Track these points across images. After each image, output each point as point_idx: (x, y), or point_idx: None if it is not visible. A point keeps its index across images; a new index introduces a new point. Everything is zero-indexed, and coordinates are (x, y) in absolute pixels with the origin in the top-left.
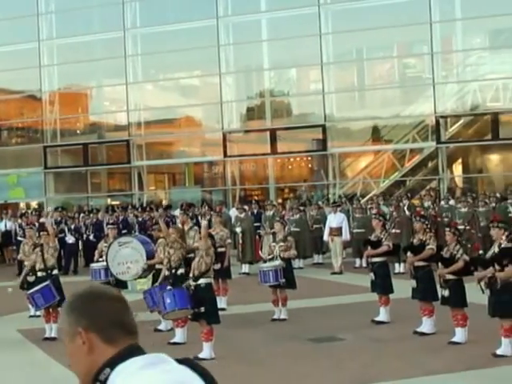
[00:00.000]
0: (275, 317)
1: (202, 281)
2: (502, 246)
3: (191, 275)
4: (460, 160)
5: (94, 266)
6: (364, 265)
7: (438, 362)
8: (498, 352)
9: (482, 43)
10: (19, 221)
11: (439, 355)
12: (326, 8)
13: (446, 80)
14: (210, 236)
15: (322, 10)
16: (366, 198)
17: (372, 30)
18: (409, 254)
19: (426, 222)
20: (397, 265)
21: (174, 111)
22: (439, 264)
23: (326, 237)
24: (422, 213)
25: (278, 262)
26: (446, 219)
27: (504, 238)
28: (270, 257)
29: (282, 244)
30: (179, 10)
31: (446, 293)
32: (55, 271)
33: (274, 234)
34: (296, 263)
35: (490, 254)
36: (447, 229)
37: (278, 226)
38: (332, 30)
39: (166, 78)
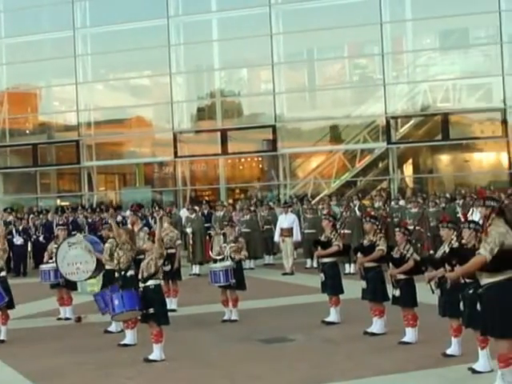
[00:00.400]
0: (226, 318)
1: (150, 282)
2: (452, 246)
3: (140, 277)
4: (410, 160)
5: (43, 267)
6: (315, 265)
7: (389, 362)
8: (448, 352)
9: (432, 44)
10: None
11: (390, 355)
12: (277, 8)
13: (396, 80)
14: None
15: (272, 10)
16: (316, 199)
17: (323, 31)
18: (359, 254)
19: (377, 223)
20: (347, 265)
21: (125, 111)
22: (390, 264)
23: (276, 237)
24: (373, 213)
25: (228, 263)
26: (396, 219)
27: (454, 238)
28: (221, 257)
29: (232, 245)
30: (129, 9)
31: (397, 293)
32: (3, 273)
33: (224, 234)
34: (247, 264)
35: (439, 253)
36: (397, 229)
37: (228, 230)
38: (283, 31)
39: (116, 78)
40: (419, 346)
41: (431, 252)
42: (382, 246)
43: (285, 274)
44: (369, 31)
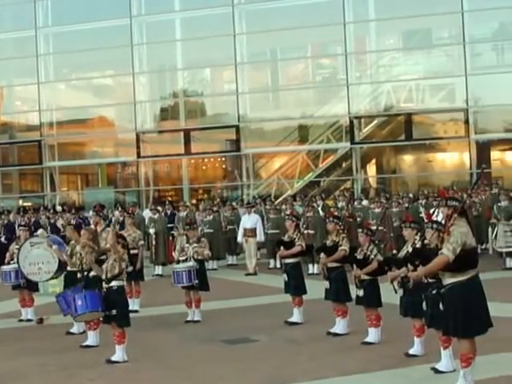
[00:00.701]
0: (189, 318)
1: (114, 283)
2: (415, 246)
3: (103, 277)
4: (374, 160)
5: (4, 268)
6: (278, 266)
7: (351, 363)
8: (411, 352)
9: (395, 44)
10: None
11: (352, 356)
12: (240, 8)
13: (359, 81)
14: (122, 237)
15: (236, 10)
16: (280, 199)
17: (286, 31)
18: (322, 255)
19: (340, 223)
20: (310, 265)
21: (87, 111)
22: (354, 265)
23: (240, 238)
24: (336, 213)
25: (191, 263)
26: (358, 219)
27: (417, 238)
28: (183, 258)
29: (195, 245)
30: (92, 8)
31: (361, 293)
32: None
33: (187, 235)
34: (210, 265)
35: (402, 253)
36: (360, 230)
37: (190, 232)
38: (246, 31)
39: (79, 78)
40: (382, 346)
41: (394, 252)
42: (344, 247)
43: (248, 274)
44: (332, 31)
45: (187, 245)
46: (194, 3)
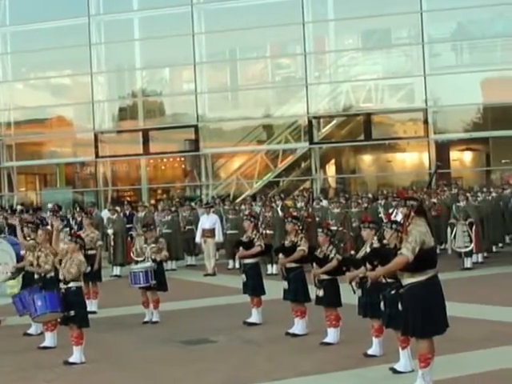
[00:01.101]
0: (146, 319)
1: (72, 284)
2: (373, 246)
3: (61, 278)
4: (333, 161)
5: None
6: (237, 266)
7: (310, 363)
8: (369, 352)
9: (354, 44)
10: None
11: (311, 356)
12: (199, 7)
13: (318, 80)
14: (79, 237)
15: (194, 9)
16: (239, 199)
17: (245, 30)
18: (280, 255)
19: (298, 223)
20: (269, 266)
21: (45, 111)
22: (314, 265)
23: (198, 238)
24: (295, 214)
25: (148, 264)
26: (317, 219)
27: (375, 238)
28: (141, 258)
29: (153, 246)
30: (50, 7)
31: (321, 293)
32: None
33: (145, 235)
34: (169, 265)
35: (361, 254)
36: (319, 230)
37: (147, 233)
38: (205, 30)
39: (37, 77)
40: (341, 347)
41: (352, 252)
42: (303, 247)
43: (207, 274)
44: (291, 31)
45: (145, 245)
46: (152, 2)
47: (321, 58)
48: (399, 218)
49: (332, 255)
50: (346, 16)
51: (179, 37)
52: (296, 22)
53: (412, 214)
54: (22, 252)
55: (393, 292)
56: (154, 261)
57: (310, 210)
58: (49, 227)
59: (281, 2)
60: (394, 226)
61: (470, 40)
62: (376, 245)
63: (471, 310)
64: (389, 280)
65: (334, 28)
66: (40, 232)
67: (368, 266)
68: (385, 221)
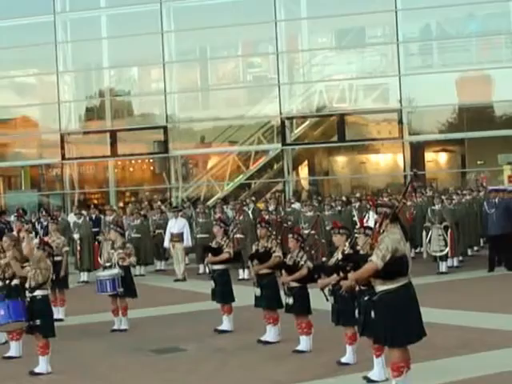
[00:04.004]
0: (115, 327)
1: (37, 292)
2: (345, 252)
3: (27, 286)
4: (306, 162)
5: None
6: (208, 271)
7: (283, 372)
8: (343, 360)
9: (327, 43)
10: None
11: (284, 364)
12: (168, 5)
13: (291, 80)
14: (47, 245)
15: (163, 6)
16: (210, 201)
17: (216, 28)
18: (255, 262)
19: (270, 228)
20: (241, 271)
21: (9, 111)
22: (282, 271)
23: (166, 243)
24: (267, 217)
25: (116, 271)
26: (289, 223)
27: (347, 244)
28: (108, 264)
29: (120, 251)
30: (14, 4)
31: (290, 300)
32: None
33: (112, 240)
34: (137, 270)
35: (332, 260)
36: (290, 235)
37: (113, 235)
38: (174, 28)
39: (1, 76)
40: (314, 355)
41: (324, 259)
42: (278, 253)
43: (177, 280)
44: (263, 29)
45: (112, 251)
46: (120, 0)
47: (294, 57)
48: (372, 222)
49: (302, 262)
50: (319, 14)
51: (148, 35)
52: (268, 20)
53: (386, 221)
54: None
55: (366, 299)
56: (121, 267)
57: (282, 213)
58: (14, 233)
59: None
60: (367, 231)
61: (445, 39)
62: (348, 251)
63: (446, 316)
64: (362, 287)
65: (307, 26)
66: (5, 238)
67: (341, 273)
68: (358, 226)
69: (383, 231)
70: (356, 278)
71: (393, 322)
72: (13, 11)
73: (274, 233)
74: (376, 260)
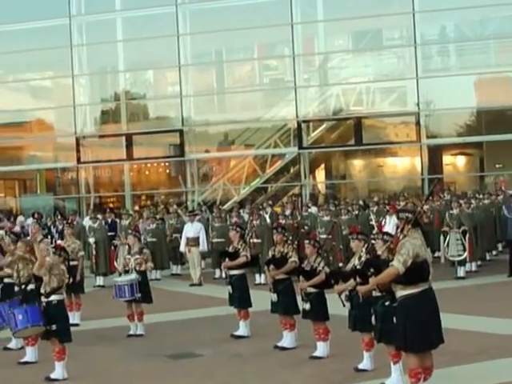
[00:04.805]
0: (131, 332)
1: (53, 297)
2: (363, 258)
3: (42, 291)
4: (323, 166)
5: None
6: (224, 276)
7: (299, 378)
8: (360, 366)
9: (344, 45)
10: None
11: (300, 370)
12: (184, 8)
13: (308, 83)
14: (63, 249)
15: (179, 9)
16: (226, 205)
17: (232, 31)
18: (271, 267)
19: (286, 234)
20: (257, 275)
21: (25, 114)
22: (300, 277)
23: (182, 247)
24: (283, 221)
25: (133, 276)
26: (306, 227)
27: (363, 249)
28: (125, 269)
29: (137, 257)
30: (30, 8)
31: (307, 306)
32: None
33: (129, 245)
34: (153, 274)
35: (350, 266)
36: (307, 241)
37: (131, 240)
38: (190, 31)
39: (16, 79)
40: (331, 361)
41: (341, 264)
42: (294, 258)
43: (192, 285)
44: (279, 32)
45: (129, 256)
46: (135, 2)
47: (310, 60)
48: (389, 226)
49: (320, 268)
50: (335, 17)
51: (163, 38)
52: (284, 22)
53: (408, 226)
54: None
55: (386, 303)
56: (138, 272)
57: (299, 218)
58: (29, 238)
59: (269, 2)
60: (386, 237)
61: (464, 42)
62: (365, 256)
63: (464, 322)
64: (379, 294)
65: (324, 29)
66: (20, 244)
67: (358, 279)
68: (375, 231)
69: (404, 236)
70: (377, 283)
71: (413, 328)
72: (28, 14)
73: (291, 238)
74: (397, 265)
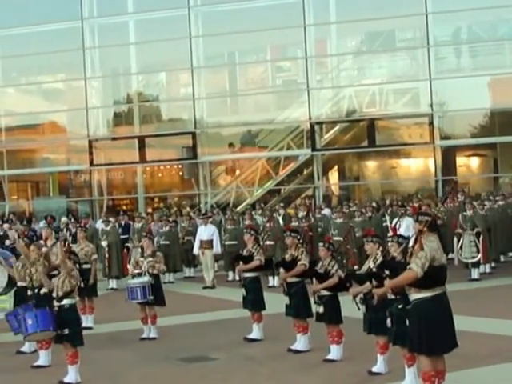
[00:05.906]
0: (144, 336)
1: (65, 301)
2: (378, 261)
3: (54, 295)
4: (336, 167)
5: None
6: (237, 278)
7: (313, 381)
8: (374, 369)
9: (357, 47)
10: None
11: (314, 373)
12: (196, 10)
13: (320, 85)
14: (73, 253)
15: (192, 11)
16: (239, 207)
17: (244, 33)
18: (281, 270)
19: (298, 237)
20: (271, 278)
21: (37, 117)
22: (314, 280)
23: (196, 250)
24: (296, 224)
25: (146, 278)
26: (319, 229)
27: (379, 252)
28: (138, 272)
29: (150, 259)
30: (42, 10)
31: (321, 309)
32: None
33: (142, 248)
34: (166, 277)
35: (364, 268)
36: (321, 244)
37: (145, 243)
38: (202, 33)
39: (29, 82)
40: (344, 364)
41: (356, 267)
42: (304, 261)
43: (206, 287)
44: (292, 34)
45: (142, 259)
46: (148, 5)
47: (322, 62)
48: (403, 228)
49: (333, 271)
50: (348, 18)
51: (176, 40)
52: (297, 24)
53: (425, 229)
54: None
55: (400, 307)
56: (151, 275)
57: (312, 220)
58: (42, 242)
59: (281, 4)
60: (400, 240)
61: (477, 42)
62: (380, 259)
63: (478, 324)
64: (394, 296)
65: (336, 31)
66: (32, 247)
67: (374, 282)
68: (390, 233)
69: (421, 239)
70: (393, 286)
71: (426, 331)
72: (40, 17)
73: (301, 240)
74: (416, 268)
